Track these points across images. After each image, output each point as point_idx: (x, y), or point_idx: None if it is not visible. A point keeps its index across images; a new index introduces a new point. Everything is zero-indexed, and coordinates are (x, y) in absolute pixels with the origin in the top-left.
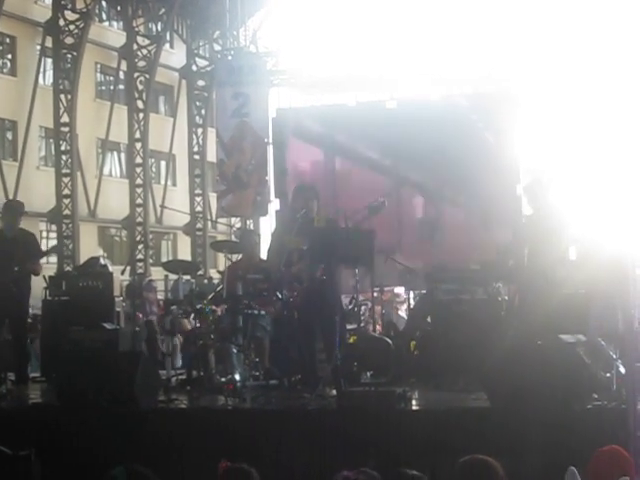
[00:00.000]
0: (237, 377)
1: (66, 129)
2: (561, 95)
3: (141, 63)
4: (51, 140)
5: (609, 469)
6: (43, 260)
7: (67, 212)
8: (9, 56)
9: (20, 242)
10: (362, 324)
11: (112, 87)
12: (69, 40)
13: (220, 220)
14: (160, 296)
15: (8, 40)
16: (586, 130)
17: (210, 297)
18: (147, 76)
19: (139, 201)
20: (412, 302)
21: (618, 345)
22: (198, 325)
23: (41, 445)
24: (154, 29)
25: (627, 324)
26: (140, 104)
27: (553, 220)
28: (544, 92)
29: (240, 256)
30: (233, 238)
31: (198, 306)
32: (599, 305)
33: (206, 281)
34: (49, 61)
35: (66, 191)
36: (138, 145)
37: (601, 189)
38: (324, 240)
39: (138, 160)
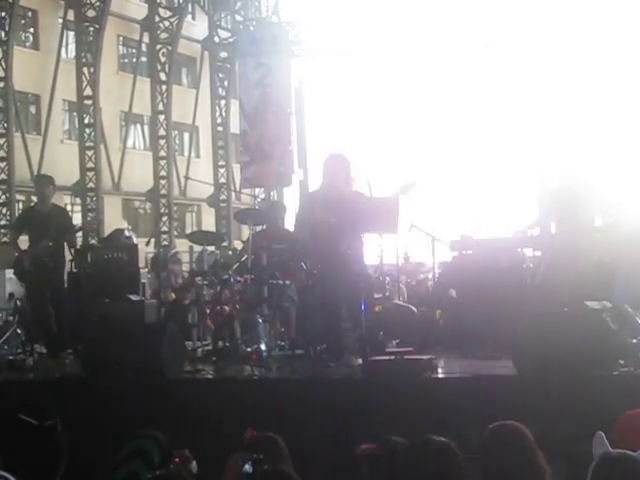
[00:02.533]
0: (263, 347)
1: (89, 102)
2: (584, 65)
3: (163, 35)
4: (74, 113)
5: (637, 433)
6: None
7: (91, 185)
8: (31, 30)
9: (53, 217)
10: (387, 293)
11: (134, 59)
12: (91, 13)
13: (244, 191)
14: (185, 268)
15: (30, 14)
16: (609, 98)
17: (235, 267)
18: (169, 48)
19: (163, 173)
20: (437, 271)
21: None
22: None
23: (67, 416)
24: (176, 1)
25: None
26: (163, 76)
27: (581, 187)
28: (566, 62)
29: (264, 226)
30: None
31: (225, 276)
32: (624, 272)
33: (230, 252)
34: (71, 34)
35: (90, 164)
36: (161, 117)
37: (626, 157)
38: (349, 211)
39: (161, 132)
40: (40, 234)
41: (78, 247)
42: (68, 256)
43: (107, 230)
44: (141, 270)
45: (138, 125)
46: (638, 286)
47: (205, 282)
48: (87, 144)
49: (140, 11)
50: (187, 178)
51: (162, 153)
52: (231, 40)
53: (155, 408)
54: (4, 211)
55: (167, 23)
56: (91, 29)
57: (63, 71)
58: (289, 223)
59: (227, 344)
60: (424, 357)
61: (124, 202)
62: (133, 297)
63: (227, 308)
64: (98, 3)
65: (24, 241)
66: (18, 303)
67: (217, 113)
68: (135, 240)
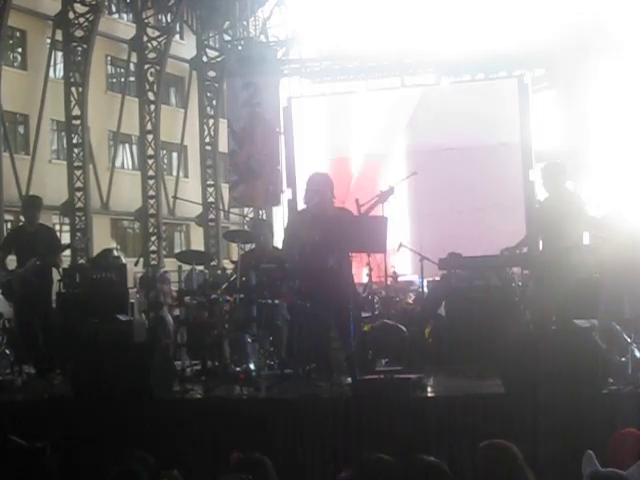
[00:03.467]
0: (252, 366)
1: (77, 122)
2: (572, 82)
3: (151, 55)
4: (63, 133)
5: (626, 452)
6: None
7: (80, 205)
8: (19, 50)
9: (40, 236)
10: (376, 312)
11: (123, 79)
12: (79, 33)
13: (232, 210)
14: (174, 287)
15: (18, 34)
16: (602, 115)
17: (224, 287)
18: (157, 68)
19: (151, 193)
20: (426, 289)
21: (631, 329)
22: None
23: (57, 437)
24: (164, 20)
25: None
26: (151, 96)
27: (570, 204)
28: (555, 80)
29: (253, 246)
30: (246, 228)
31: (213, 296)
32: (608, 289)
33: (219, 271)
34: (59, 54)
35: (78, 184)
36: (150, 137)
37: (617, 174)
38: (337, 229)
39: (150, 152)
40: (28, 254)
41: (66, 267)
42: (56, 276)
43: (95, 250)
44: (130, 290)
45: (126, 145)
46: (619, 303)
47: (194, 302)
48: (75, 164)
49: (128, 31)
50: (176, 198)
51: (150, 173)
52: (219, 59)
53: (144, 428)
54: None
55: (155, 43)
56: (79, 49)
57: (51, 91)
58: (277, 242)
59: (216, 364)
60: (413, 376)
61: (113, 222)
62: (122, 317)
63: None
64: (86, 23)
65: (12, 261)
66: (6, 323)
67: (205, 132)
68: (124, 260)
